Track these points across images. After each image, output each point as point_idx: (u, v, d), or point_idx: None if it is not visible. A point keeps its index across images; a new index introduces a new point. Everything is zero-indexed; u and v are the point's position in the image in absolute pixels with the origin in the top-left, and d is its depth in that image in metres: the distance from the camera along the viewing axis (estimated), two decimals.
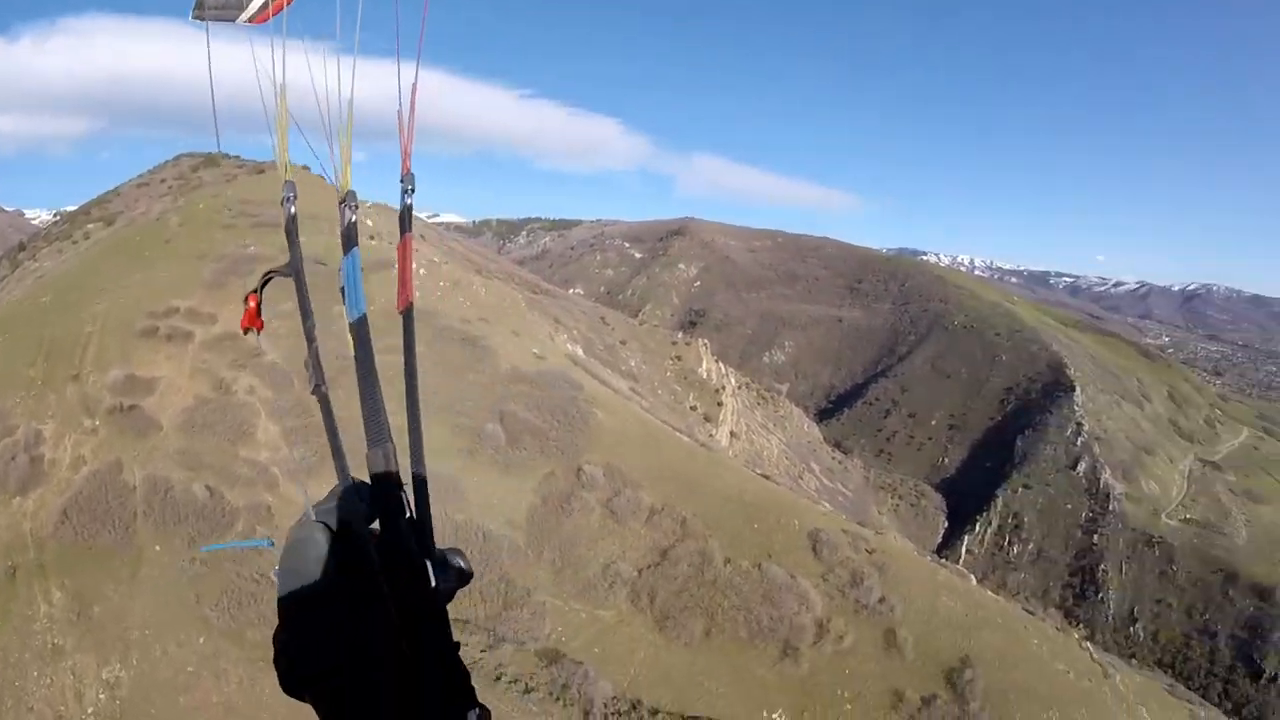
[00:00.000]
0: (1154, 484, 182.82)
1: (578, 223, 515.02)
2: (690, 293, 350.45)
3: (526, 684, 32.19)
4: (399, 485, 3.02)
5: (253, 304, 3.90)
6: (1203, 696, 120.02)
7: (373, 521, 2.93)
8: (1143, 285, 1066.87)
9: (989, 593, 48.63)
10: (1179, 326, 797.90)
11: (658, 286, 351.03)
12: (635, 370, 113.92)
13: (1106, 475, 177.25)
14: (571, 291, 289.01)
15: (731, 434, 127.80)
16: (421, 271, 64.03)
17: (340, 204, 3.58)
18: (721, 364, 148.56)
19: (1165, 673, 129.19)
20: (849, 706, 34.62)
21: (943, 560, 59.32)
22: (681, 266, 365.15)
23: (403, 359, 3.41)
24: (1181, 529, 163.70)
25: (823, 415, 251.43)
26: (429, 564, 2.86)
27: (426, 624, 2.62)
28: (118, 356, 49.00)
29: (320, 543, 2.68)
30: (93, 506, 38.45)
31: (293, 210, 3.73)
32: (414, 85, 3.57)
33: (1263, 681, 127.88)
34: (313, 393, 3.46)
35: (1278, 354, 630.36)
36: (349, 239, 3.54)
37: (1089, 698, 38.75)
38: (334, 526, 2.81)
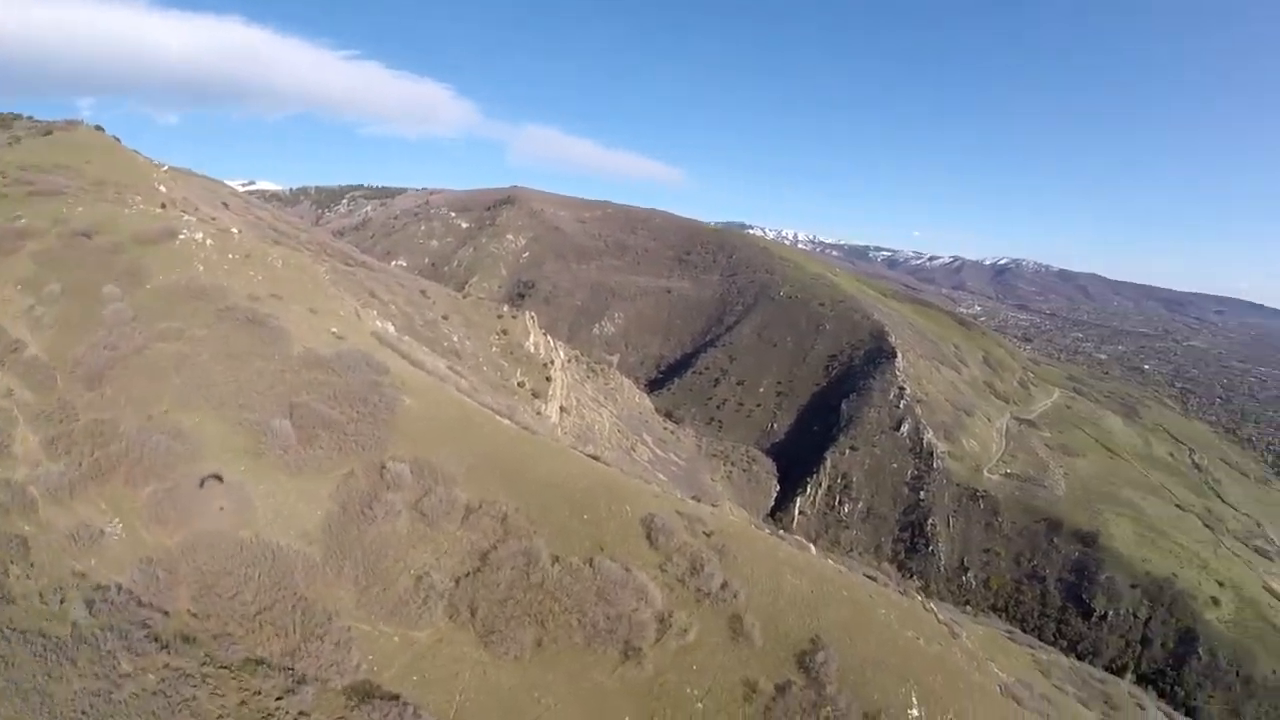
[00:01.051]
0: (974, 442, 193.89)
1: (402, 191, 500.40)
2: (519, 264, 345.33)
3: None
4: None
5: None
6: (1038, 637, 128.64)
7: None
8: (956, 260, 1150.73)
9: (830, 563, 47.06)
10: (990, 297, 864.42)
11: (485, 257, 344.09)
12: (458, 346, 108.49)
13: (929, 435, 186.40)
14: (394, 264, 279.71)
15: (561, 409, 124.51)
16: (209, 243, 56.90)
17: None
18: (550, 337, 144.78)
19: (1000, 617, 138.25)
20: (700, 705, 31.81)
21: (781, 532, 57.57)
22: (510, 237, 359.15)
23: None
24: (1003, 483, 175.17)
25: (653, 386, 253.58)
26: None
27: None
28: None
29: None
30: None
31: None
32: None
33: (1094, 620, 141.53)
34: None
35: (1083, 322, 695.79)
36: None
37: (941, 663, 38.15)
38: None
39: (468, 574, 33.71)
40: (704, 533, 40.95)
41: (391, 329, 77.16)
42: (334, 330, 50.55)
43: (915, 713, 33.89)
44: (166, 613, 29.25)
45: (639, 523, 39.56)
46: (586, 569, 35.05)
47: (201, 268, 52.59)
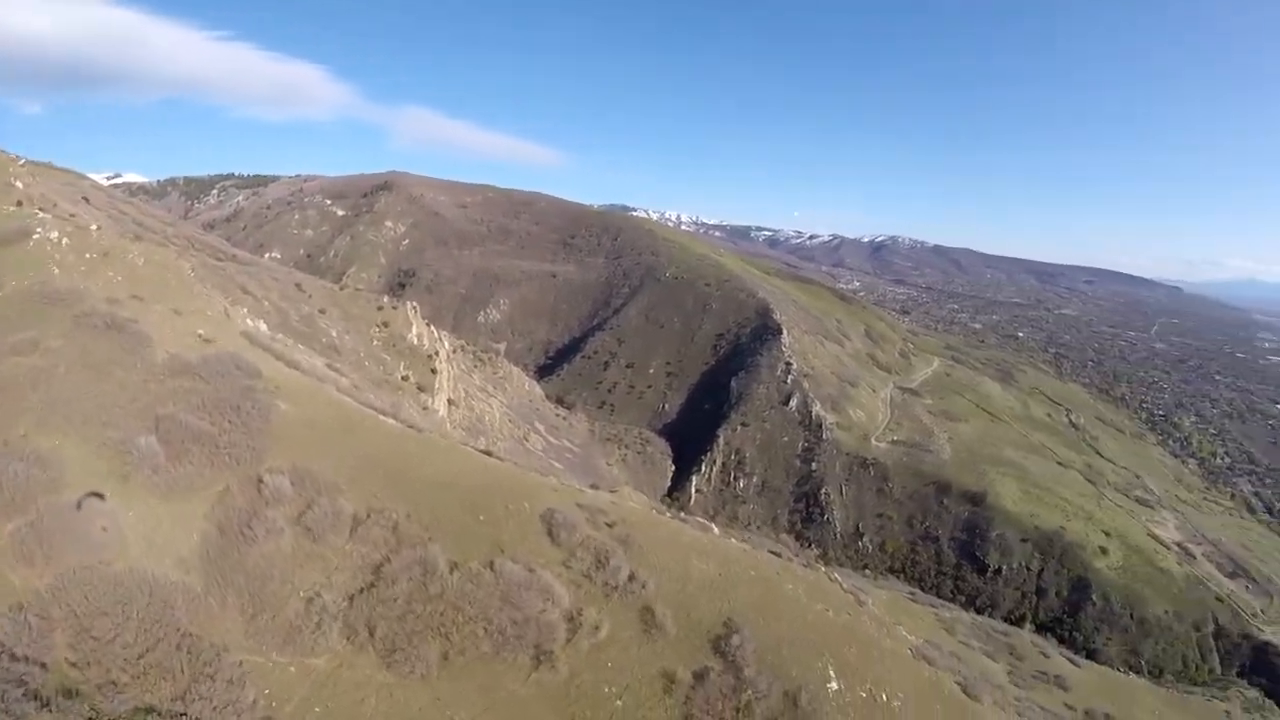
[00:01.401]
0: (861, 412, 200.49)
1: (275, 179, 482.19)
2: (398, 252, 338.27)
3: None
4: None
5: None
6: (937, 595, 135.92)
7: None
8: (835, 238, 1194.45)
9: (735, 542, 46.85)
10: (869, 273, 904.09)
11: (363, 246, 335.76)
12: (337, 342, 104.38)
13: (817, 408, 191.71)
14: (267, 256, 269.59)
15: (449, 402, 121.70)
16: (65, 242, 52.61)
17: None
18: (434, 327, 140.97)
19: (899, 579, 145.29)
20: (619, 703, 30.78)
21: (683, 514, 57.19)
22: (389, 224, 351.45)
23: None
24: (891, 450, 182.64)
25: (542, 372, 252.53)
26: None
27: None
28: None
29: None
30: None
31: None
32: None
33: (989, 574, 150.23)
34: None
35: (958, 294, 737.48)
36: None
37: (853, 633, 38.41)
38: None
39: (361, 590, 31.53)
40: (606, 524, 40.03)
41: (264, 327, 73.35)
42: (201, 332, 47.17)
43: (834, 686, 33.89)
44: (44, 665, 26.03)
45: (539, 519, 38.29)
46: (487, 573, 33.48)
47: (57, 270, 48.48)
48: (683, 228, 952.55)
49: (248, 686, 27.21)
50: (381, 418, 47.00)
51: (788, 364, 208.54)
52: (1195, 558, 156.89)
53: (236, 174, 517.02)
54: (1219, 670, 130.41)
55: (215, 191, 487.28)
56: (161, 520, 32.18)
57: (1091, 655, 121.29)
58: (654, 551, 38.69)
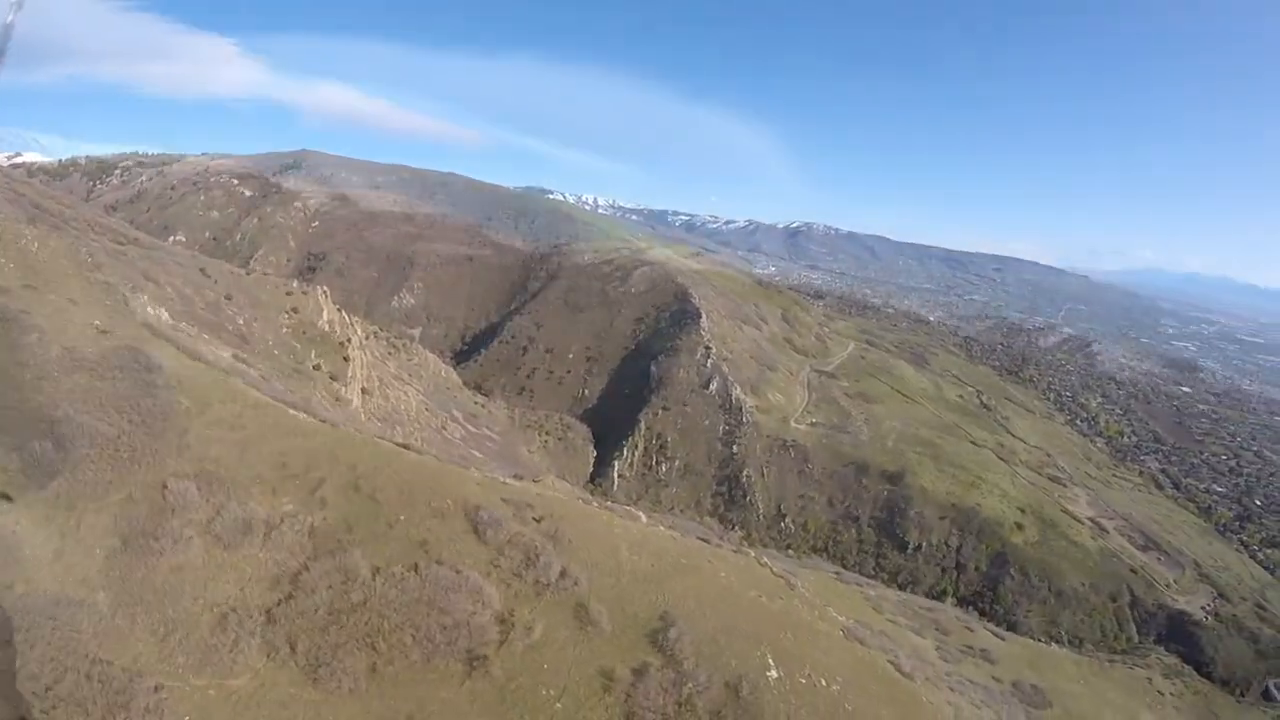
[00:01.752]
0: (780, 395, 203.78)
1: (181, 158, 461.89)
2: (308, 234, 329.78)
3: None
4: None
5: None
6: (860, 572, 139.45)
7: None
8: (751, 223, 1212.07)
9: (664, 530, 46.75)
10: (784, 258, 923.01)
11: (271, 228, 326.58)
12: (244, 330, 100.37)
13: (737, 391, 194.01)
14: (172, 240, 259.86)
15: (363, 391, 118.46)
16: None
17: None
18: (345, 313, 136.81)
19: (822, 557, 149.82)
20: (559, 705, 29.70)
21: (610, 503, 56.48)
22: (298, 205, 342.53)
23: None
24: (810, 431, 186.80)
25: (460, 358, 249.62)
26: None
27: None
28: None
29: None
30: None
31: None
32: None
33: (909, 551, 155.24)
34: None
35: (871, 279, 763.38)
36: None
37: (788, 618, 38.75)
38: None
39: (279, 602, 29.64)
40: (534, 519, 39.30)
41: (166, 316, 70.02)
42: (97, 323, 44.17)
43: (774, 674, 33.68)
44: None
45: (464, 516, 36.99)
46: (412, 577, 32.07)
47: None
48: (600, 211, 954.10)
49: (165, 714, 25.12)
50: (293, 412, 44.85)
51: (707, 348, 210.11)
52: (1108, 532, 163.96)
53: (141, 153, 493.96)
54: (1136, 639, 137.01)
55: (119, 171, 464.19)
56: (63, 534, 29.67)
57: (1012, 627, 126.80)
58: (584, 546, 38.11)
